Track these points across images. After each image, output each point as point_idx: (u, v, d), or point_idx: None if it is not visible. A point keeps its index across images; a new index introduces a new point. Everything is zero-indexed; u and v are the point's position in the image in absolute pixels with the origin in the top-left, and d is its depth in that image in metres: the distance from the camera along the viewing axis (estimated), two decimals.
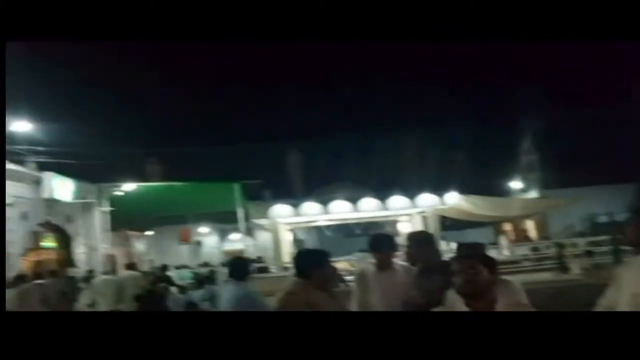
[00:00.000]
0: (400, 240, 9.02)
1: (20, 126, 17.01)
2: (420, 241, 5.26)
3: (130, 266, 14.43)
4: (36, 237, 20.09)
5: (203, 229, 36.04)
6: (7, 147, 17.56)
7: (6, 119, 16.85)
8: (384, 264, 5.32)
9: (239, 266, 6.09)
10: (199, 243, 36.04)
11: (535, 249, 24.39)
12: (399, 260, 5.54)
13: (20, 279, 12.32)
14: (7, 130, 16.93)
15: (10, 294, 10.88)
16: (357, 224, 30.63)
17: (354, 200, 26.33)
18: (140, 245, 33.54)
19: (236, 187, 25.58)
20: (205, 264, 28.75)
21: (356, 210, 26.29)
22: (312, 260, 4.66)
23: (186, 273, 21.92)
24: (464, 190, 25.83)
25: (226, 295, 5.76)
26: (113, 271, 15.71)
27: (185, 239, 35.00)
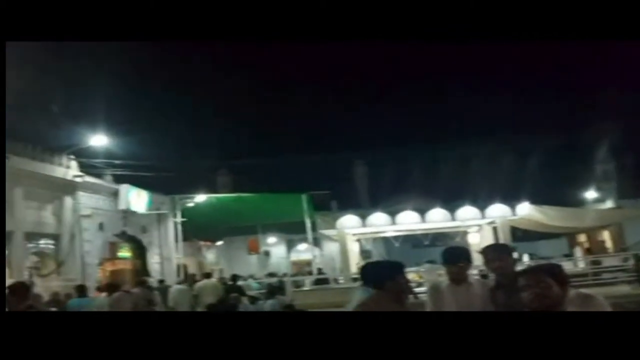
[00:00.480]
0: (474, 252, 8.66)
1: (97, 140, 17.56)
2: (499, 254, 5.06)
3: (206, 275, 14.62)
4: (113, 247, 20.68)
5: (271, 239, 36.27)
6: (86, 160, 18.24)
7: (85, 134, 17.49)
8: (459, 278, 5.13)
9: (372, 271, 5.90)
10: (267, 253, 36.29)
11: (611, 261, 23.26)
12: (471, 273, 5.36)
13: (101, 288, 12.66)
14: (87, 145, 17.56)
15: (101, 301, 11.22)
16: (425, 235, 30.12)
17: (421, 210, 25.89)
18: (210, 255, 34.06)
19: (304, 198, 25.69)
20: (271, 274, 28.94)
21: (424, 220, 25.86)
22: (385, 272, 4.53)
23: (253, 283, 22.04)
24: (536, 200, 24.96)
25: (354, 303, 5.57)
26: (185, 281, 15.96)
27: (254, 249, 35.28)
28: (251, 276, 27.41)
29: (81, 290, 12.24)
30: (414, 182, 29.30)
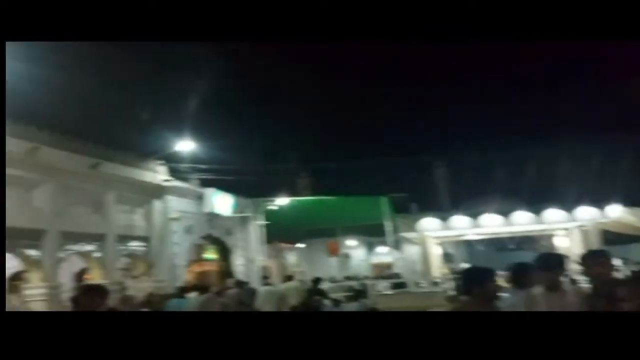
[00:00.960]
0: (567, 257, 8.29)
1: (184, 145, 17.94)
2: (599, 260, 4.78)
3: (289, 278, 14.67)
4: (199, 249, 21.13)
5: (351, 242, 36.16)
6: (174, 165, 18.70)
7: (173, 140, 17.92)
8: (554, 285, 4.90)
9: (521, 273, 5.69)
10: (347, 256, 36.19)
11: None
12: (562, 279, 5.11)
13: (184, 290, 12.87)
14: (173, 150, 17.99)
15: (190, 302, 11.42)
16: (510, 238, 29.23)
17: (506, 213, 25.16)
18: (291, 257, 34.33)
19: (384, 201, 25.46)
20: (348, 278, 28.80)
21: (509, 223, 25.12)
22: (475, 277, 4.37)
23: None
24: (628, 202, 23.62)
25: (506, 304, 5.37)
26: (266, 282, 16.06)
27: (334, 252, 35.28)
28: (331, 279, 27.41)
29: (182, 290, 12.52)
30: (496, 183, 28.32)
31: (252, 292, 13.42)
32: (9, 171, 12.22)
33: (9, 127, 12.36)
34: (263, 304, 12.73)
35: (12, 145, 12.34)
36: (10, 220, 12.14)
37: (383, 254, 34.26)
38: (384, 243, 31.23)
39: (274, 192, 24.96)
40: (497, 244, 30.41)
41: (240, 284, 13.71)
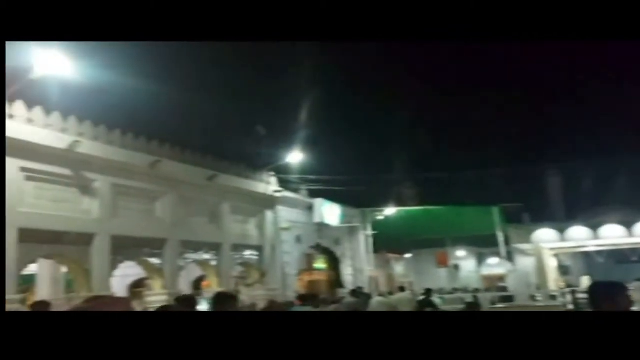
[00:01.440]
0: None
1: (294, 157, 18.14)
2: None
3: (401, 289, 14.39)
4: (309, 258, 21.27)
5: (461, 253, 35.12)
6: (284, 176, 18.93)
7: (283, 152, 18.17)
8: None
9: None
10: (456, 267, 35.17)
11: None
12: None
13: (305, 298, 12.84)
14: (283, 162, 18.24)
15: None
16: (633, 250, 27.21)
17: (627, 223, 23.52)
18: (399, 267, 33.85)
19: (495, 211, 24.62)
20: (455, 289, 27.93)
21: (631, 235, 23.44)
22: (605, 292, 3.98)
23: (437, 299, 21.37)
24: None
25: None
26: (379, 293, 15.81)
27: (442, 262, 34.43)
28: (441, 290, 26.70)
29: (303, 299, 12.52)
30: (617, 192, 26.49)
31: (367, 299, 13.22)
32: (133, 184, 12.87)
33: (133, 142, 13.01)
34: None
35: (136, 159, 12.95)
36: (135, 230, 12.79)
37: (494, 265, 32.99)
38: (495, 254, 30.12)
39: (381, 202, 24.77)
40: (617, 255, 28.41)
41: (356, 293, 13.56)
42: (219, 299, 4.80)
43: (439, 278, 33.21)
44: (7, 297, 9.26)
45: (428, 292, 17.78)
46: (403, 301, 12.96)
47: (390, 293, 16.71)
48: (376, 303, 13.47)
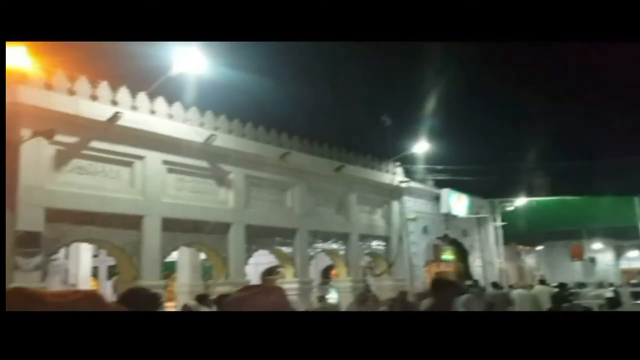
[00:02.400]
0: None
1: (420, 147, 17.70)
2: None
3: (541, 282, 13.63)
4: (436, 250, 20.71)
5: (597, 245, 32.69)
6: (410, 166, 18.52)
7: (409, 141, 17.78)
8: None
9: None
10: (592, 260, 32.79)
11: None
12: None
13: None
14: (410, 152, 17.83)
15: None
16: None
17: None
18: (530, 259, 32.21)
19: (636, 201, 22.73)
20: (581, 285, 25.97)
21: None
22: None
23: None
24: None
25: None
26: (521, 285, 15.05)
27: (577, 255, 32.21)
28: (576, 284, 25.00)
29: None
30: None
31: (480, 293, 12.58)
32: (264, 175, 13.11)
33: (264, 135, 13.23)
34: (516, 307, 11.89)
35: (267, 151, 13.17)
36: (267, 220, 13.02)
37: (634, 258, 30.41)
38: (636, 247, 27.80)
39: (511, 192, 23.64)
40: None
41: (495, 286, 12.94)
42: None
43: (573, 271, 31.12)
44: (152, 282, 9.72)
45: (562, 285, 16.64)
46: (543, 294, 12.17)
47: (524, 286, 15.82)
48: (517, 295, 12.78)
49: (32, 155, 8.98)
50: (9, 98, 8.84)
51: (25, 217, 8.74)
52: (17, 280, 8.34)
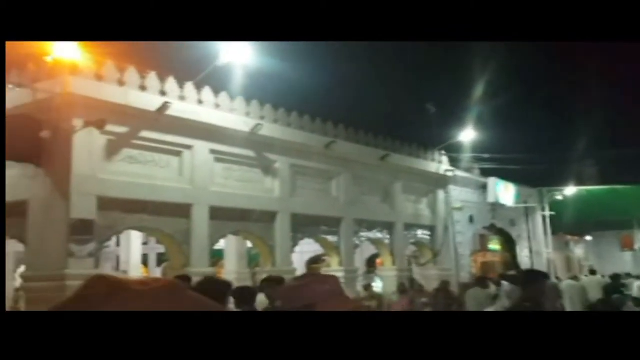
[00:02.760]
0: None
1: (466, 135, 17.36)
2: None
3: (593, 272, 13.22)
4: (483, 239, 20.34)
5: None
6: (456, 155, 18.19)
7: (455, 130, 17.47)
8: None
9: None
10: None
11: None
12: None
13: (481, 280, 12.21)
14: (455, 141, 17.52)
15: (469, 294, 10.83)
16: None
17: None
18: (578, 250, 31.38)
19: None
20: (630, 275, 25.03)
21: None
22: None
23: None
24: None
25: None
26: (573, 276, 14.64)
27: (628, 246, 31.22)
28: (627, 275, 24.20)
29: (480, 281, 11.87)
30: None
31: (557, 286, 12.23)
32: (310, 164, 13.04)
33: (309, 124, 13.16)
34: (566, 297, 11.54)
35: (313, 140, 13.08)
36: (312, 209, 12.98)
37: None
38: None
39: (559, 181, 23.01)
40: None
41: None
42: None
43: (622, 262, 30.17)
44: (201, 269, 9.79)
45: (616, 277, 16.05)
46: (593, 285, 11.77)
47: (574, 277, 15.36)
48: (566, 286, 12.41)
49: (85, 145, 9.11)
50: (61, 89, 9.01)
51: (79, 205, 8.89)
52: (71, 267, 8.53)
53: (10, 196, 9.19)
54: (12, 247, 11.25)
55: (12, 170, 9.11)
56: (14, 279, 12.48)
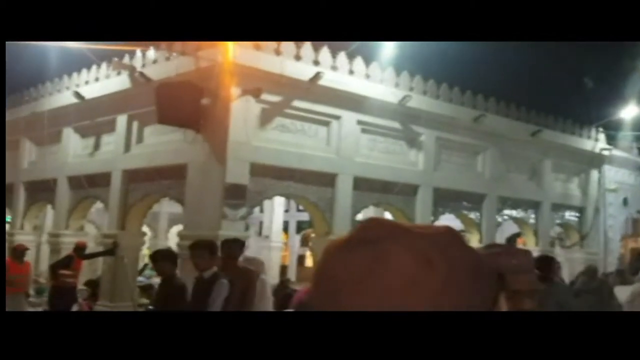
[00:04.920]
0: None
1: (627, 112, 15.70)
2: None
3: None
4: (636, 224, 18.56)
5: None
6: (614, 133, 16.55)
7: (615, 106, 15.88)
8: None
9: None
10: None
11: None
12: None
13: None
14: (615, 118, 15.94)
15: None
16: None
17: None
18: None
19: None
20: None
21: None
22: None
23: None
24: None
25: None
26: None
27: None
28: None
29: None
30: None
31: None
32: (456, 137, 12.48)
33: (459, 97, 12.53)
34: None
35: (461, 113, 12.46)
36: (455, 184, 12.47)
37: None
38: None
39: None
40: None
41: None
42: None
43: None
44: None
45: None
46: None
47: None
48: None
49: (241, 113, 9.31)
50: (222, 57, 9.20)
51: (233, 170, 9.17)
52: (224, 228, 8.86)
53: (171, 160, 9.72)
54: (167, 207, 11.94)
55: (174, 135, 9.58)
56: (166, 239, 13.34)
